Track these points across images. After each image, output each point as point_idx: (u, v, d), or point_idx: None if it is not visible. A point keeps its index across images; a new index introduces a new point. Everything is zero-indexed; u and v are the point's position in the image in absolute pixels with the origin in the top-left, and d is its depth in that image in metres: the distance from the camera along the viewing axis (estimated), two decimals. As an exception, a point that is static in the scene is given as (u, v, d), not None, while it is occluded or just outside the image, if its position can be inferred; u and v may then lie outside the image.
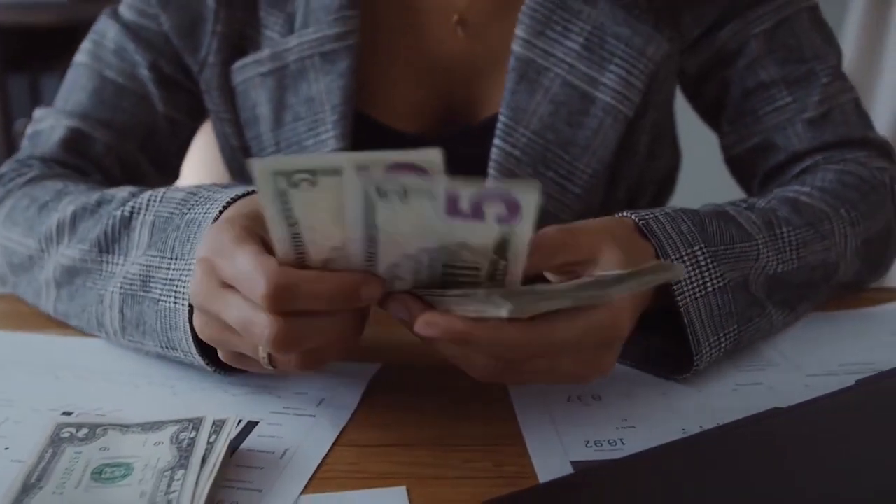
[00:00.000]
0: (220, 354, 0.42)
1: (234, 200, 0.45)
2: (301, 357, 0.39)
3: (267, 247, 0.39)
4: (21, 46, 1.64)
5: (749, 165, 0.66)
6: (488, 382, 0.41)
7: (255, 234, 0.40)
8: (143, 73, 0.63)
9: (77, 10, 1.56)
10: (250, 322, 0.37)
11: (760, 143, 0.64)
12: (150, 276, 0.46)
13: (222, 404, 0.45)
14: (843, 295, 0.59)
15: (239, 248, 0.38)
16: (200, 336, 0.42)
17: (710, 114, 0.68)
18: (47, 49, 1.70)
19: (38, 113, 0.66)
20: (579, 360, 0.40)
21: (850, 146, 0.62)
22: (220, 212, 0.44)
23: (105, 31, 0.65)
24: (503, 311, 0.35)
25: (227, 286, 0.39)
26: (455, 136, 0.65)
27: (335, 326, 0.38)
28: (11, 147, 1.64)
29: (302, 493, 0.38)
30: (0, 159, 1.62)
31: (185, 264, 0.45)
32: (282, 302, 0.36)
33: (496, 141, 0.61)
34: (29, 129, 0.66)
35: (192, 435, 0.40)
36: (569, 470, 0.40)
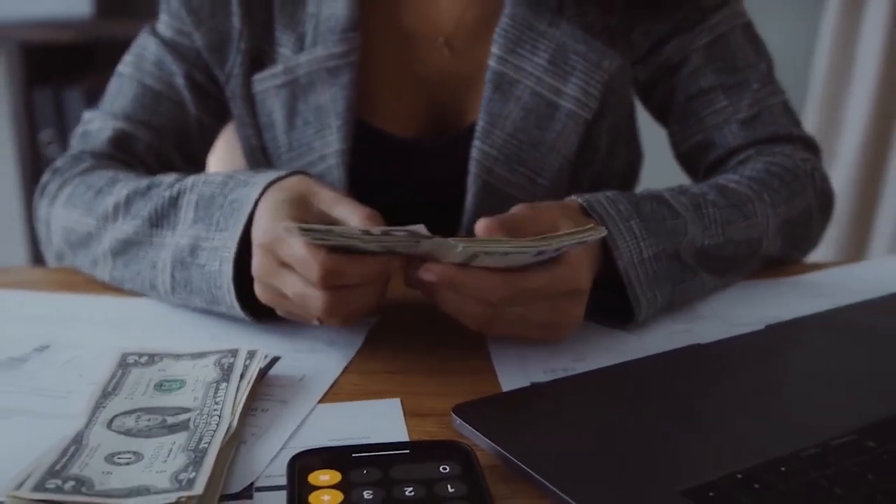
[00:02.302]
0: (279, 312, 0.54)
1: (270, 184, 0.56)
2: (343, 317, 0.51)
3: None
4: (45, 62, 1.75)
5: (694, 159, 0.77)
6: (478, 332, 0.52)
7: (301, 219, 0.52)
8: (179, 81, 0.74)
9: (98, 27, 1.67)
10: (306, 296, 0.50)
11: (702, 141, 0.75)
12: (197, 246, 0.57)
13: (251, 345, 0.56)
14: (771, 266, 0.70)
15: (292, 236, 0.49)
16: (261, 300, 0.54)
17: (660, 115, 0.79)
18: (69, 64, 1.81)
19: (87, 116, 0.77)
20: (551, 308, 0.51)
21: (778, 141, 0.73)
22: (261, 193, 0.55)
23: (146, 45, 0.76)
24: (459, 248, 0.46)
25: (285, 265, 0.51)
26: (443, 140, 0.76)
27: (368, 293, 0.51)
28: (37, 155, 1.74)
29: (318, 402, 0.49)
30: (26, 167, 1.74)
31: (230, 235, 0.56)
32: (330, 281, 0.48)
33: (476, 142, 0.71)
34: (79, 129, 0.77)
35: (231, 360, 0.51)
36: (528, 387, 0.50)
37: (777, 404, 0.47)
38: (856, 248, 1.83)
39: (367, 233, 0.47)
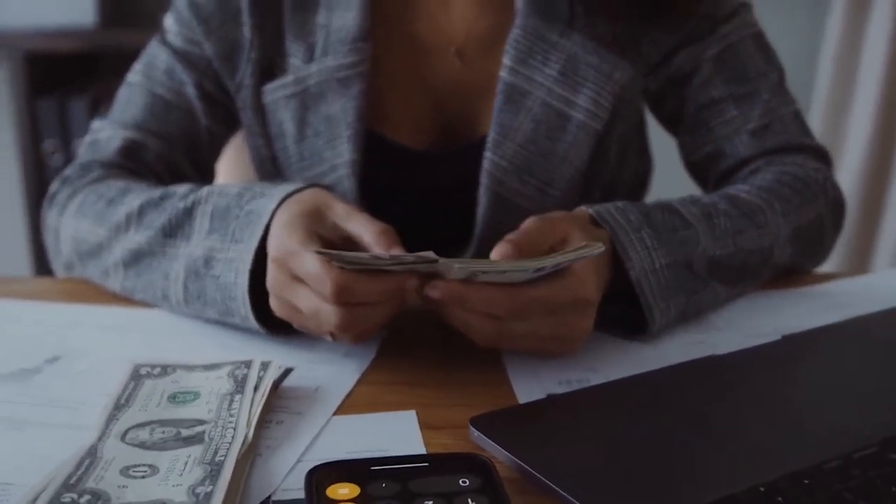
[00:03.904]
0: (295, 326, 0.54)
1: (287, 196, 0.56)
2: (355, 334, 0.51)
3: (323, 240, 0.52)
4: (48, 71, 1.75)
5: (704, 170, 0.76)
6: (487, 347, 0.51)
7: (315, 233, 0.52)
8: (190, 91, 0.74)
9: (102, 37, 1.67)
10: (319, 311, 0.50)
11: (712, 151, 0.75)
12: (212, 257, 0.57)
13: (264, 356, 0.55)
14: (783, 276, 0.70)
15: (306, 251, 0.49)
16: (276, 313, 0.54)
17: (670, 125, 0.79)
18: (73, 74, 1.81)
19: (97, 124, 0.77)
20: (558, 321, 0.51)
21: (788, 151, 0.73)
22: (278, 205, 0.55)
23: (156, 54, 0.75)
24: (455, 268, 0.47)
25: (298, 280, 0.51)
26: (454, 150, 0.75)
27: (381, 311, 0.50)
28: (40, 165, 1.74)
29: (333, 415, 0.48)
30: (30, 177, 1.74)
31: (245, 247, 0.55)
32: (343, 297, 0.48)
33: (487, 153, 0.71)
34: (88, 138, 0.76)
35: (244, 372, 0.50)
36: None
37: (797, 416, 0.47)
38: (859, 257, 1.83)
39: (377, 258, 0.48)
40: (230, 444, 0.43)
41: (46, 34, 1.68)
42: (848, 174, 1.78)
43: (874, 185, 1.78)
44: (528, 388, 0.51)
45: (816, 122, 1.79)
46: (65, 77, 1.78)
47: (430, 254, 0.47)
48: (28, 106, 1.72)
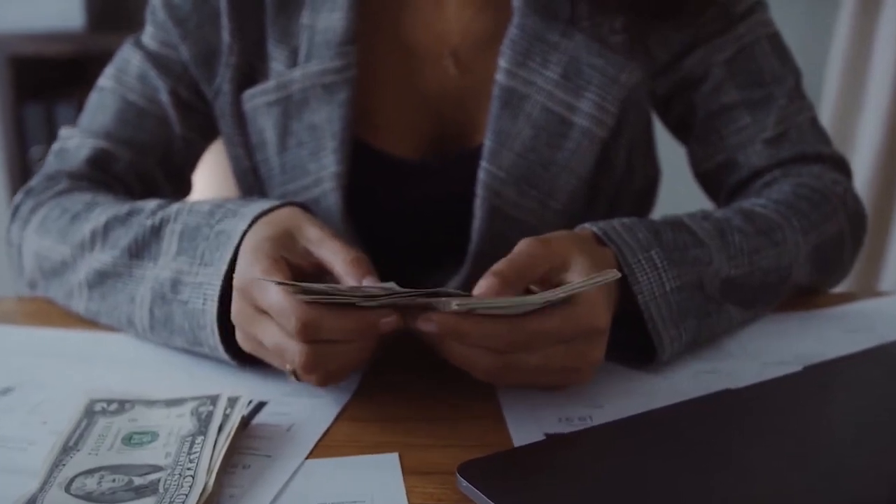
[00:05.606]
0: (267, 361, 0.49)
1: (260, 215, 0.51)
2: (321, 376, 0.46)
3: (292, 267, 0.47)
4: (36, 76, 1.71)
5: (715, 181, 0.71)
6: (490, 383, 0.46)
7: (281, 259, 0.47)
8: (164, 97, 0.69)
9: (91, 41, 1.63)
10: (283, 348, 0.45)
11: (724, 161, 0.69)
12: (179, 281, 0.52)
13: (235, 387, 0.50)
14: (797, 296, 0.65)
15: (269, 282, 0.45)
16: (242, 347, 0.49)
17: (679, 131, 0.74)
18: (62, 78, 1.77)
19: (65, 132, 0.72)
20: (567, 352, 0.46)
21: (805, 162, 0.68)
22: (249, 225, 0.50)
23: (129, 58, 0.71)
24: (452, 306, 0.42)
25: (262, 312, 0.46)
26: (449, 161, 0.70)
27: (352, 350, 0.45)
28: (26, 172, 1.69)
29: (307, 458, 0.44)
30: (16, 184, 1.69)
31: (215, 270, 0.50)
32: (309, 334, 0.43)
33: (483, 163, 0.66)
34: (55, 146, 0.72)
35: (210, 408, 0.45)
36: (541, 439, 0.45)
37: (826, 460, 0.41)
38: (868, 268, 1.78)
39: (341, 289, 0.43)
40: (186, 495, 0.38)
41: (34, 37, 1.63)
42: (857, 182, 1.73)
43: (885, 192, 1.73)
44: (525, 426, 0.46)
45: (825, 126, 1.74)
46: (53, 81, 1.74)
47: (393, 284, 0.42)
48: (15, 111, 1.68)
